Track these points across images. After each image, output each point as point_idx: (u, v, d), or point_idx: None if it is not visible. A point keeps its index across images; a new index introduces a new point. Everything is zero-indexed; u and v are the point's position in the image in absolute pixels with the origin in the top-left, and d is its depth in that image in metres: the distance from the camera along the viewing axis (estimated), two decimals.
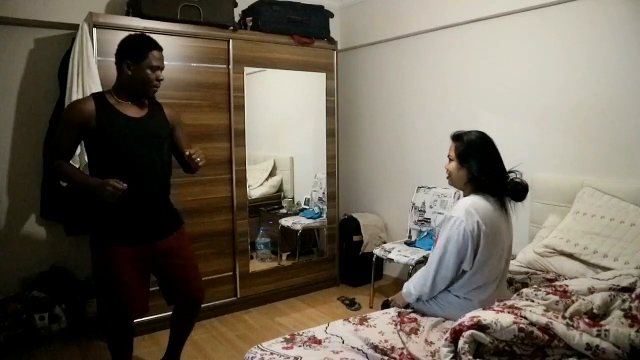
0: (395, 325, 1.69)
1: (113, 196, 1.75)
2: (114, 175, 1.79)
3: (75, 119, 1.84)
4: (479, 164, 1.75)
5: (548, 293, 1.59)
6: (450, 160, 1.83)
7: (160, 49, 1.96)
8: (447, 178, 1.88)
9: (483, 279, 1.72)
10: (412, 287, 1.83)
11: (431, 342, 1.59)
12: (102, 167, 1.86)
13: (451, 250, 1.69)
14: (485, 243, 1.67)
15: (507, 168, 1.82)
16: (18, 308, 2.64)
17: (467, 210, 1.68)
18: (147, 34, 2.61)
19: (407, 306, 1.89)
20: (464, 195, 1.83)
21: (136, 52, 1.89)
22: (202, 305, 2.89)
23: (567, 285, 1.64)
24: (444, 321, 1.74)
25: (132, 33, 2.03)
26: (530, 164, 2.64)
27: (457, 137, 1.83)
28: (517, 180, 1.78)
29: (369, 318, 1.75)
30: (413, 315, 1.80)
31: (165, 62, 2.67)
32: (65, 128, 1.86)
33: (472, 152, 1.77)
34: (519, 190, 1.76)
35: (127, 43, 1.93)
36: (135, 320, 2.71)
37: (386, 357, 1.49)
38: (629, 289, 1.53)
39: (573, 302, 1.52)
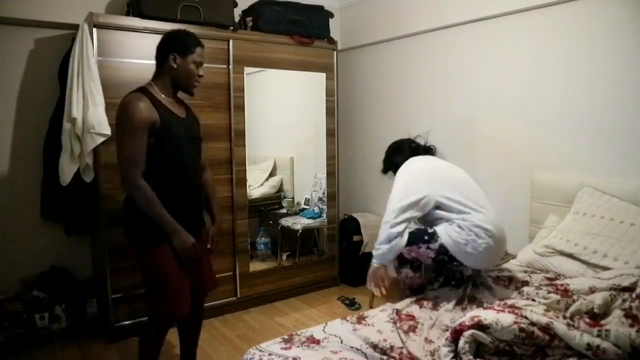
0: (394, 323, 1.69)
1: (187, 253, 1.80)
2: (166, 176, 1.79)
3: (145, 120, 1.74)
4: (385, 158, 2.41)
5: (549, 292, 1.59)
6: None
7: (204, 46, 1.97)
8: None
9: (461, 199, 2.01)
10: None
11: (431, 341, 1.59)
12: (157, 169, 1.80)
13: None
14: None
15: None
16: (18, 308, 2.64)
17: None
18: (147, 34, 2.64)
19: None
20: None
21: (183, 45, 1.88)
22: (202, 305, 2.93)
23: (567, 285, 1.64)
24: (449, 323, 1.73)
25: (176, 29, 2.02)
26: (530, 163, 2.65)
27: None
28: (420, 145, 2.39)
29: (367, 317, 1.75)
30: (410, 311, 1.80)
31: None
32: (135, 134, 1.72)
33: (385, 164, 2.41)
34: (425, 148, 2.37)
35: (173, 36, 1.93)
36: (135, 320, 2.74)
37: (385, 357, 1.49)
38: (630, 289, 1.53)
39: (574, 301, 1.52)
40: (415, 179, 2.08)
